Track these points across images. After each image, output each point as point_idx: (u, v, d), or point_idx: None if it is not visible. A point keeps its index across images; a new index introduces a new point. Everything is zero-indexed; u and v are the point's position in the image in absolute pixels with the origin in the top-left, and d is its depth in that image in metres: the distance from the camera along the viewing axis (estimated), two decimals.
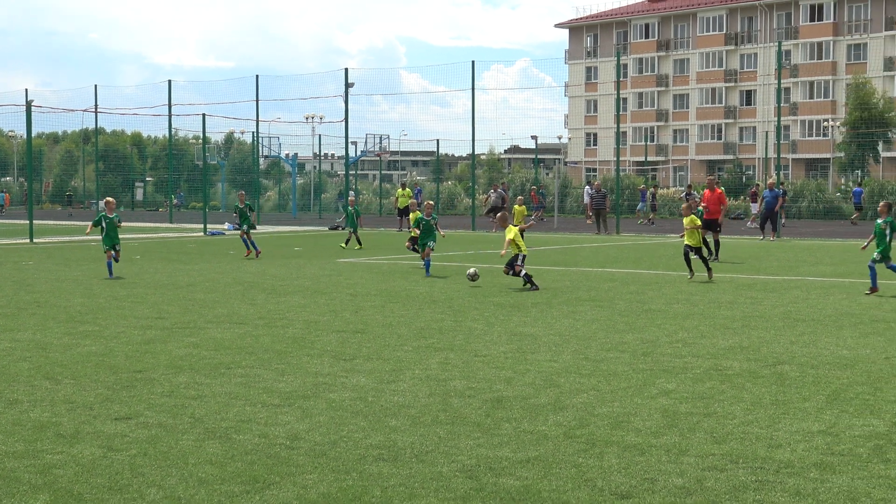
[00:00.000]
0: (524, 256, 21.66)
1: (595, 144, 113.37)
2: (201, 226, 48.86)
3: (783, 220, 43.71)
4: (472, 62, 51.85)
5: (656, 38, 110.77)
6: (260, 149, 71.81)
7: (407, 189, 52.01)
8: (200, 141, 61.51)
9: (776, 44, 52.66)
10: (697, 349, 13.70)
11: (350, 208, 36.24)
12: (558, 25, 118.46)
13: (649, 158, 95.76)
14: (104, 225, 24.51)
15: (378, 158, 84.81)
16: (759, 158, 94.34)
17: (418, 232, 25.45)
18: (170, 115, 58.22)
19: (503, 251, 22.08)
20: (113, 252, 24.34)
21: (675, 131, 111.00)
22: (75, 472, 7.98)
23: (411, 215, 29.91)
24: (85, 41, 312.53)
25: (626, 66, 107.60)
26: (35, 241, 40.27)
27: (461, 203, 76.78)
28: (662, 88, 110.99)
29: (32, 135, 45.31)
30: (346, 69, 56.20)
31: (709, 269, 23.37)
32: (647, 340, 14.47)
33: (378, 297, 19.96)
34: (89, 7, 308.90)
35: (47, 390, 11.10)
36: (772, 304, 18.70)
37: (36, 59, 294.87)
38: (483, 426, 9.41)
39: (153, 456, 8.44)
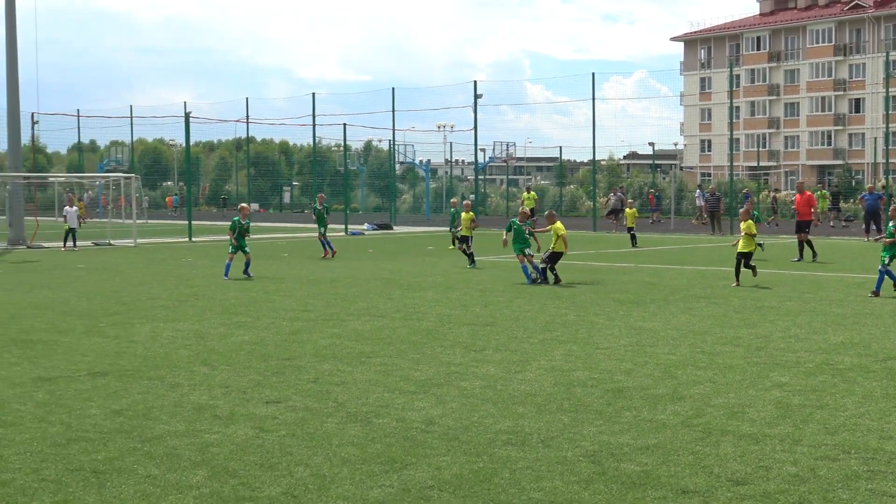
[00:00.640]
0: (557, 255, 21.77)
1: (709, 150, 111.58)
2: (343, 226, 49.36)
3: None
4: (593, 74, 51.82)
5: (767, 49, 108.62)
6: (396, 155, 72.23)
7: (532, 192, 51.80)
8: (342, 148, 62.22)
9: (884, 54, 51.31)
10: (809, 344, 13.38)
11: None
12: (674, 39, 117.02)
13: (761, 163, 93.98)
14: (238, 229, 23.86)
15: (505, 164, 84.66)
16: (867, 163, 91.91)
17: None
18: (314, 125, 58.88)
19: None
20: (237, 254, 23.66)
21: (786, 138, 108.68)
22: (230, 451, 8.12)
23: (464, 215, 28.21)
24: (237, 57, 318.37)
25: (738, 76, 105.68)
26: (193, 239, 41.19)
27: (583, 205, 76.21)
28: (774, 97, 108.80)
29: (191, 143, 46.31)
30: (475, 81, 56.36)
31: (754, 272, 21.49)
32: (761, 335, 14.19)
33: (505, 293, 19.92)
34: (241, 26, 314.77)
35: (205, 375, 11.32)
36: (881, 302, 18.17)
37: (193, 75, 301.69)
38: (605, 414, 9.32)
39: (300, 437, 8.54)
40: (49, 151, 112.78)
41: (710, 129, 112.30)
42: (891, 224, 19.41)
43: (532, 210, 48.55)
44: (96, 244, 38.51)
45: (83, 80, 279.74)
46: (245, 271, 23.52)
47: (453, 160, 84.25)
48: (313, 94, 58.58)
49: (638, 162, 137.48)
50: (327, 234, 31.08)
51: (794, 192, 68.10)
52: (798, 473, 7.44)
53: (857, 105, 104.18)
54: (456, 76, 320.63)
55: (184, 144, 52.17)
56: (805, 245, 28.54)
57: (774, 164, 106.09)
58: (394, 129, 63.02)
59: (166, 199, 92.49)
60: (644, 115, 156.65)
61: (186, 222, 44.98)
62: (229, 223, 24.82)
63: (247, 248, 23.88)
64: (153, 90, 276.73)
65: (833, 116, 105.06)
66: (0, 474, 7.50)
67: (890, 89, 46.10)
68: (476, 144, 56.58)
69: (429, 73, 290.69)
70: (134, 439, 8.49)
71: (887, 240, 19.27)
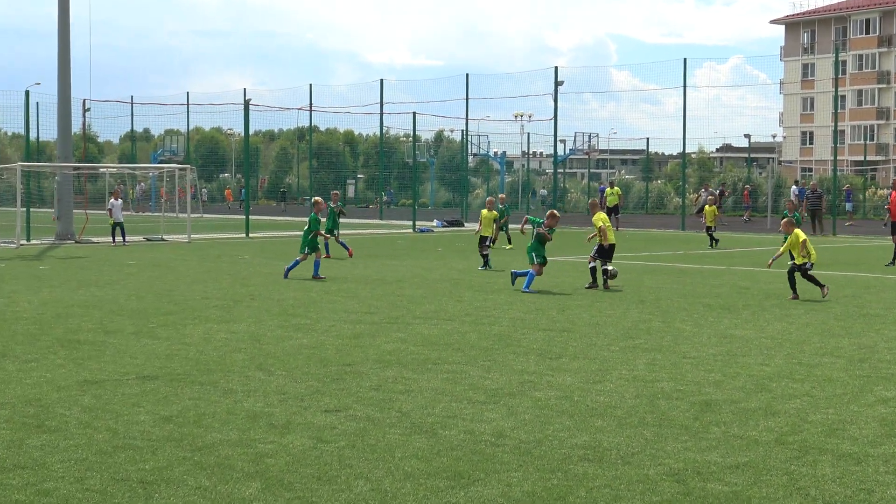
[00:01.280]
0: (604, 250, 21.45)
1: (811, 143, 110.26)
2: (410, 223, 49.50)
3: None
4: (684, 60, 51.29)
5: (877, 33, 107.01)
6: (469, 147, 72.31)
7: (616, 188, 51.53)
8: (411, 139, 62.33)
9: None
10: None
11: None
12: (773, 22, 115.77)
13: (868, 158, 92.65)
14: (316, 226, 23.49)
15: (587, 157, 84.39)
16: None
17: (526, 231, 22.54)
18: (381, 114, 59.24)
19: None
20: (311, 255, 23.34)
21: None
22: (286, 462, 8.17)
23: (485, 213, 27.51)
24: (302, 41, 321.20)
25: (844, 62, 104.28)
26: (251, 235, 41.59)
27: (671, 202, 75.72)
28: (884, 86, 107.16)
29: (250, 133, 46.74)
30: (556, 67, 56.12)
31: (821, 287, 20.02)
32: (865, 346, 14.00)
33: (584, 296, 19.85)
34: (306, 8, 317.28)
35: (260, 381, 11.42)
36: None
37: (254, 60, 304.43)
38: (691, 429, 9.25)
39: (361, 448, 8.58)
40: (100, 140, 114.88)
41: (811, 121, 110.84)
42: None
43: (616, 206, 48.39)
44: (148, 239, 39.05)
45: (138, 64, 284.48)
46: (315, 273, 23.04)
47: (530, 152, 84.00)
48: (381, 80, 58.98)
49: (732, 155, 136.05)
50: (333, 234, 29.22)
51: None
52: None
53: None
54: (535, 62, 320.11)
55: (242, 134, 52.79)
56: None
57: (883, 158, 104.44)
58: (467, 119, 63.03)
59: (225, 192, 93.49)
60: (740, 104, 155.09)
61: (244, 217, 45.45)
62: (306, 222, 23.95)
63: (307, 249, 23.39)
64: (211, 76, 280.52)
65: None
66: (43, 483, 7.63)
67: None
68: (556, 135, 56.49)
69: (505, 59, 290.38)
70: (184, 448, 8.58)
71: None
